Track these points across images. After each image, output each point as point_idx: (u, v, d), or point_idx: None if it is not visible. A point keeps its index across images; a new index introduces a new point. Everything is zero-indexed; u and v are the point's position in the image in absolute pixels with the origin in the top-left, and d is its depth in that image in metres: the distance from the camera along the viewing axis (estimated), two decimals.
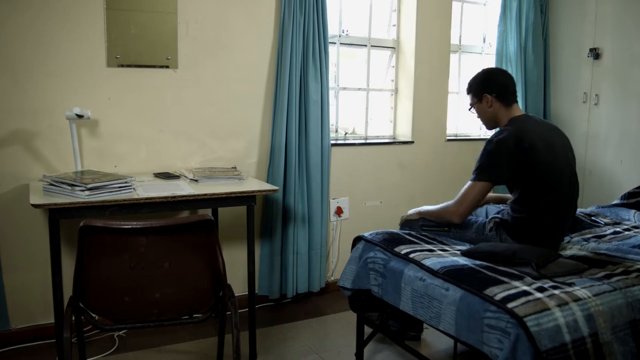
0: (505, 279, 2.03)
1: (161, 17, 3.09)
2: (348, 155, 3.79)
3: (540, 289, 1.94)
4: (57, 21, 2.86)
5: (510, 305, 1.83)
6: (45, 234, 2.90)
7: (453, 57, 4.24)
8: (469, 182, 2.57)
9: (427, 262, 2.24)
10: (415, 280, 2.22)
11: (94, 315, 2.09)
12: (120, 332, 3.08)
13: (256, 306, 3.08)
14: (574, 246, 2.66)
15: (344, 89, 3.92)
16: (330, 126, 3.65)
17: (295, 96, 3.37)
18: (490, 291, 1.93)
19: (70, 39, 2.90)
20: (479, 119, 2.80)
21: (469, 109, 2.80)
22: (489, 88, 2.68)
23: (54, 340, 2.95)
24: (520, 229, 2.56)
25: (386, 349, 2.96)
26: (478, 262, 2.24)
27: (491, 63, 4.37)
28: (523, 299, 1.86)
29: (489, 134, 4.50)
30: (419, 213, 2.80)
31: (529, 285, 1.98)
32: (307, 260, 3.56)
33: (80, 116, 2.79)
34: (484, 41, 4.48)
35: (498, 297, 1.89)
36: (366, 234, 2.64)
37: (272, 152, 3.40)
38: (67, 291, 2.41)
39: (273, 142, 3.39)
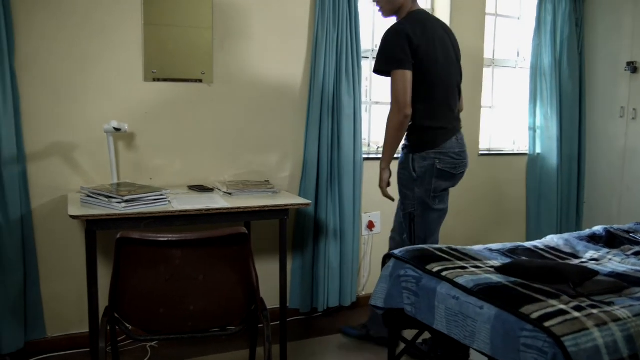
0: (542, 297, 1.99)
1: (197, 32, 3.14)
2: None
3: (578, 308, 1.90)
4: (97, 36, 2.93)
5: (547, 324, 1.79)
6: (81, 245, 2.95)
7: (486, 71, 4.21)
8: (391, 79, 2.65)
9: (460, 280, 2.20)
10: (448, 299, 2.19)
11: (128, 326, 2.12)
12: (153, 343, 3.10)
13: (287, 319, 3.08)
14: (614, 258, 2.61)
15: (377, 103, 3.92)
16: (362, 140, 3.65)
17: (328, 110, 3.38)
18: (526, 309, 1.90)
19: (108, 53, 2.97)
20: (380, 5, 2.84)
21: None
22: None
23: (88, 350, 2.99)
24: (423, 133, 2.74)
25: None
26: (512, 279, 2.20)
27: (525, 77, 4.32)
28: (560, 318, 1.82)
29: (521, 148, 4.47)
30: (382, 171, 2.84)
31: (566, 304, 1.94)
32: (339, 274, 3.55)
33: (117, 129, 2.85)
34: (518, 55, 4.44)
35: (534, 315, 1.86)
36: (396, 251, 2.60)
37: (305, 166, 3.41)
38: (101, 301, 2.46)
39: (305, 156, 3.40)
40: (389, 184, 2.91)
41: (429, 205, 2.82)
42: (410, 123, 2.76)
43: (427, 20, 2.76)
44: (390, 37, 2.66)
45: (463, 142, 2.91)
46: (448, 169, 2.80)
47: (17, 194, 2.78)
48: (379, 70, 2.74)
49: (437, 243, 2.90)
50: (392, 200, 2.92)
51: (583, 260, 2.61)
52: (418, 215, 2.84)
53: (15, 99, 2.75)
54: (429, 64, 2.69)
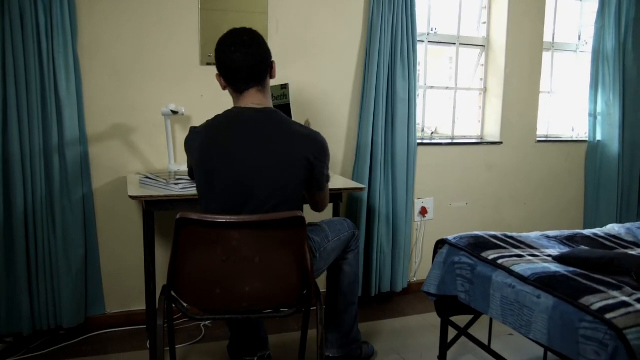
0: (602, 288, 1.94)
1: (252, 17, 3.16)
2: (434, 155, 3.74)
3: None
4: (155, 21, 2.98)
5: (608, 316, 1.75)
6: (139, 224, 3.03)
7: (546, 55, 4.09)
8: None
9: (517, 269, 2.17)
10: (504, 287, 2.15)
11: (185, 305, 2.16)
12: (207, 322, 3.17)
13: None
14: None
15: (432, 87, 3.87)
16: (417, 125, 3.61)
17: (383, 94, 3.36)
18: (586, 300, 1.85)
19: (166, 37, 3.01)
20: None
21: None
22: (217, 63, 2.12)
23: (145, 326, 3.09)
24: None
25: (470, 352, 2.90)
26: (571, 269, 2.15)
27: (587, 61, 4.18)
28: (622, 310, 1.77)
29: (581, 135, 4.34)
30: None
31: (629, 295, 1.89)
32: (391, 260, 3.54)
33: (175, 112, 2.90)
34: (579, 38, 4.29)
35: (595, 307, 1.81)
36: (450, 238, 2.57)
37: (358, 150, 3.40)
38: (157, 280, 2.52)
39: (359, 140, 3.39)
40: None
41: None
42: None
43: (231, 121, 2.16)
44: None
45: None
46: None
47: (79, 174, 2.87)
48: None
49: None
50: None
51: None
52: None
53: (77, 82, 2.83)
54: (206, 168, 2.12)
